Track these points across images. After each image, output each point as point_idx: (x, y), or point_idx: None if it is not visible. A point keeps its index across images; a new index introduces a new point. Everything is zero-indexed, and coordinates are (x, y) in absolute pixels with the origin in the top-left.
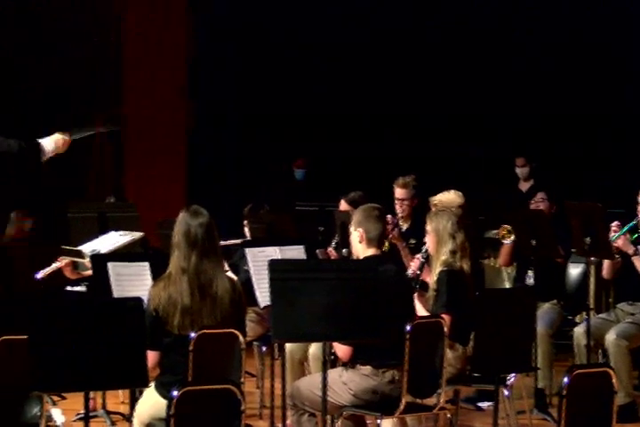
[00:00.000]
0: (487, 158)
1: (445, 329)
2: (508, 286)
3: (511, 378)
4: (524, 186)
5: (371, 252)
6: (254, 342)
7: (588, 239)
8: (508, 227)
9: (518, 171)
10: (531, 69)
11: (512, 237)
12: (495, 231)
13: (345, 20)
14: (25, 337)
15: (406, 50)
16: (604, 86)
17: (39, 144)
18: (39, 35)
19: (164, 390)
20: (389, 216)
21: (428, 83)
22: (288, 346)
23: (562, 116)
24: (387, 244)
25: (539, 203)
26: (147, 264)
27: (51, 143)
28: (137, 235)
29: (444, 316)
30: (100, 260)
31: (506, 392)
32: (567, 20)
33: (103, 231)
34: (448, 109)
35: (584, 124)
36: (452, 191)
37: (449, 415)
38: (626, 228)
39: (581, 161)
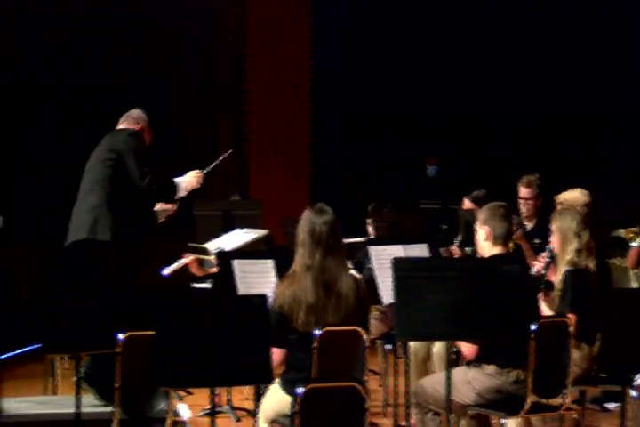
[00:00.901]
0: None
1: (571, 329)
2: (634, 285)
3: (639, 379)
4: None
5: (496, 250)
6: (378, 341)
7: None
8: (636, 229)
9: None
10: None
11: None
12: (623, 230)
13: None
14: (151, 333)
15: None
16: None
17: (175, 185)
18: (160, 38)
19: (288, 387)
20: (513, 216)
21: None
22: (412, 344)
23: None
24: (511, 244)
25: None
26: (271, 262)
27: (184, 182)
28: (261, 232)
29: (569, 315)
30: (225, 257)
31: (633, 393)
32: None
33: (228, 229)
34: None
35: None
36: (578, 190)
37: (575, 416)
38: None
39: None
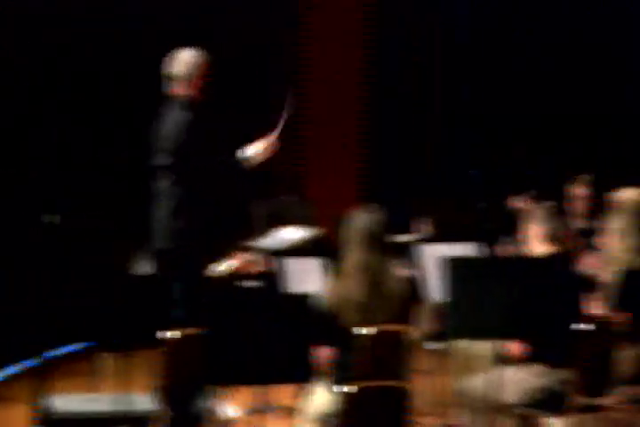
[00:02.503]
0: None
1: (621, 328)
2: None
3: None
4: None
5: (546, 249)
6: (426, 340)
7: None
8: None
9: None
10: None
11: None
12: None
13: None
14: (198, 331)
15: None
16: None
17: (238, 161)
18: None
19: (334, 387)
20: (567, 214)
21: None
22: (459, 343)
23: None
24: (564, 242)
25: None
26: (321, 260)
27: (254, 151)
28: (313, 231)
29: (620, 315)
30: (276, 255)
31: None
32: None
33: (280, 228)
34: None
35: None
36: (633, 189)
37: (622, 416)
38: None
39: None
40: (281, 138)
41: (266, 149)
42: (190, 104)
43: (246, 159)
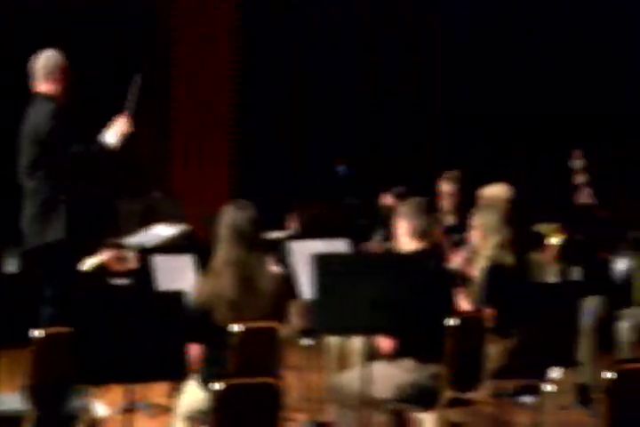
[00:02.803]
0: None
1: (488, 323)
2: (553, 280)
3: (554, 373)
4: (578, 179)
5: (415, 245)
6: (298, 336)
7: None
8: (555, 226)
9: (573, 163)
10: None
11: (559, 237)
12: (544, 226)
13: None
14: (67, 330)
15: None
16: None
17: (102, 145)
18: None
19: (206, 384)
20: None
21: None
22: (330, 340)
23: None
24: (432, 238)
25: (585, 198)
26: (192, 257)
27: (112, 134)
28: (182, 228)
29: (487, 310)
30: (145, 253)
31: (548, 387)
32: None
33: (149, 225)
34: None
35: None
36: (500, 185)
37: (491, 410)
38: None
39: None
40: (137, 120)
41: (120, 130)
42: (52, 99)
43: (108, 144)
